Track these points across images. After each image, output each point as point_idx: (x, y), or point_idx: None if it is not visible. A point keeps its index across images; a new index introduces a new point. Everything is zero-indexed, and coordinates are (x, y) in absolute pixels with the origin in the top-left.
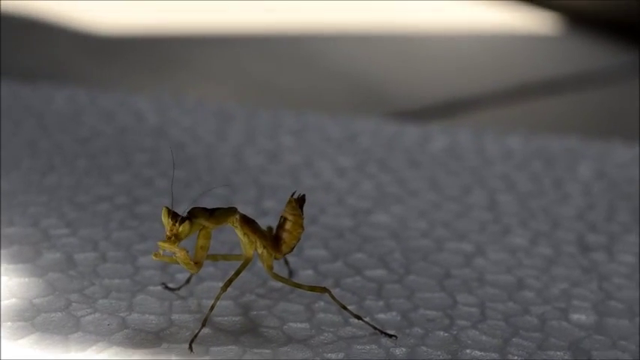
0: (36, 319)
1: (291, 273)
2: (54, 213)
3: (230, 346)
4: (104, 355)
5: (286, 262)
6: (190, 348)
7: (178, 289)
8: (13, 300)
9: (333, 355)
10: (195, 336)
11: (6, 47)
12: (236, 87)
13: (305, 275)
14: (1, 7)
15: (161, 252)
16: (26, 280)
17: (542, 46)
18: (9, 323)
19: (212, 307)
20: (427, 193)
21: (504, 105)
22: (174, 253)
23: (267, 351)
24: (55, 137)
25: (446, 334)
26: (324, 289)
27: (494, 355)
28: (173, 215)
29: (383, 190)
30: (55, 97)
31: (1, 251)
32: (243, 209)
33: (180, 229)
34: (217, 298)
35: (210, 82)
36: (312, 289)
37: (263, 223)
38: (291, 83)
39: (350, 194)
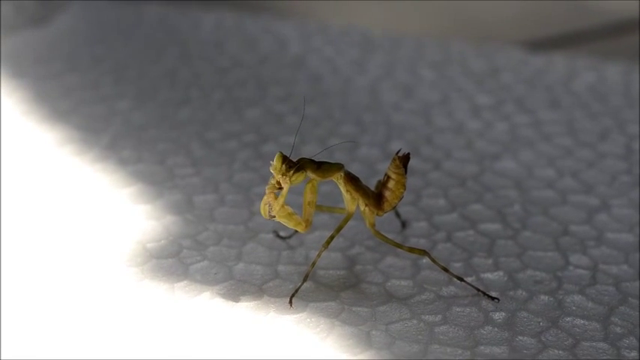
0: (146, 265)
1: (403, 224)
2: (182, 150)
3: (329, 302)
4: (207, 306)
5: (397, 215)
6: (290, 302)
7: (289, 237)
8: (130, 244)
9: (431, 317)
10: (296, 291)
11: None
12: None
13: (418, 227)
14: None
15: (268, 210)
16: (144, 223)
17: None
18: (123, 267)
19: (313, 264)
20: (561, 137)
21: None
22: (270, 204)
23: (365, 309)
24: (196, 67)
25: (550, 299)
26: (424, 252)
27: (596, 325)
28: (288, 162)
29: (515, 132)
30: (201, 22)
31: (127, 190)
32: (369, 151)
33: (293, 178)
34: (318, 256)
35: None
36: (412, 250)
37: (384, 167)
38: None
39: (480, 137)
